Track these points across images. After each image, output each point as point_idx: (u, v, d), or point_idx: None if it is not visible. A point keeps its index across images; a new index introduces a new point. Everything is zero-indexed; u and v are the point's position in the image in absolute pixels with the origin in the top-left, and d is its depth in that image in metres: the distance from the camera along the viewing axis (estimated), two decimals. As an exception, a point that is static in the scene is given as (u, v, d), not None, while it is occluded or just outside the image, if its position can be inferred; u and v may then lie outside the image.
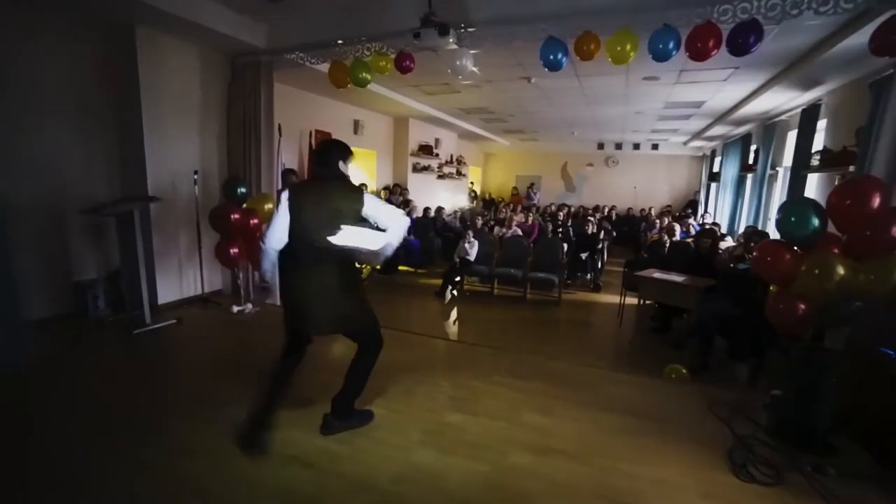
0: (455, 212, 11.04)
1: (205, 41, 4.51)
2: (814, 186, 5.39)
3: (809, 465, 2.18)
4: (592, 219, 7.98)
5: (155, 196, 4.21)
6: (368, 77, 4.24)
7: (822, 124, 5.40)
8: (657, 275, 4.67)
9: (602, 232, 8.43)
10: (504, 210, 9.98)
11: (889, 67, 3.49)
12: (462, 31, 3.51)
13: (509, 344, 4.28)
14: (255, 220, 4.38)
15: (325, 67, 4.62)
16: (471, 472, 2.12)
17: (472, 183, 15.39)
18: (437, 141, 10.47)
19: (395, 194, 8.87)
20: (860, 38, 3.23)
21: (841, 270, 2.18)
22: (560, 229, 8.60)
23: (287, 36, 4.48)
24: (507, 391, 3.01)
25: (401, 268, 7.64)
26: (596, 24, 3.25)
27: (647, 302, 5.45)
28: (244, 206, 4.42)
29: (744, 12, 2.89)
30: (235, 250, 4.37)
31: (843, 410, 2.59)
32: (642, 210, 12.67)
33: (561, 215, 9.77)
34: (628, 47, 3.22)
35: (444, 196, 11.27)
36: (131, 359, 3.42)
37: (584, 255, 7.29)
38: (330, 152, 2.28)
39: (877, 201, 2.16)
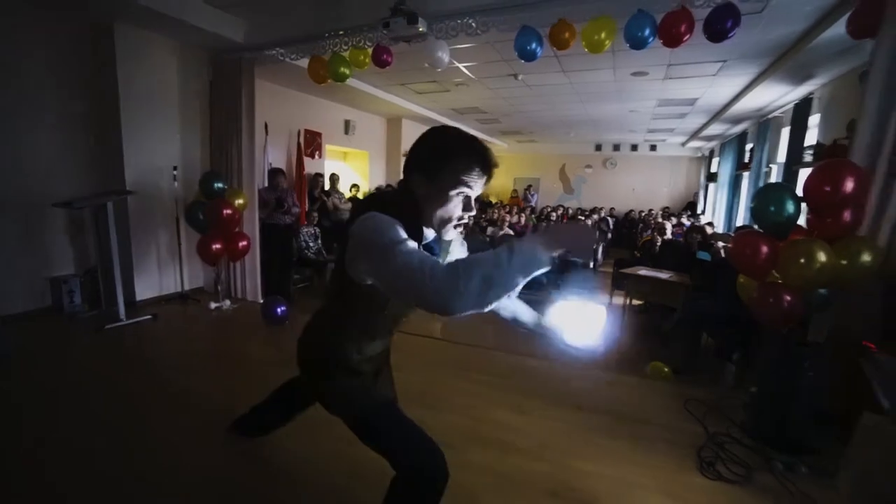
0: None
1: (184, 36, 4.47)
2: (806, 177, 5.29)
3: (781, 463, 2.06)
4: (582, 218, 7.87)
5: (128, 190, 4.17)
6: (347, 72, 4.18)
7: (814, 120, 5.28)
8: (643, 271, 4.57)
9: (597, 233, 8.33)
10: (496, 211, 9.89)
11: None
12: (435, 21, 3.45)
13: (491, 342, 4.18)
14: (233, 215, 4.33)
15: (305, 63, 4.59)
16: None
17: (473, 185, 15.31)
18: (431, 142, 10.41)
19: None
20: (843, 25, 3.13)
21: (823, 256, 2.08)
22: (554, 230, 8.50)
23: (265, 31, 4.44)
24: (480, 388, 2.91)
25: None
26: (570, 11, 3.18)
27: (637, 302, 5.33)
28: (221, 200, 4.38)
29: (718, -4, 2.80)
30: (218, 246, 4.32)
31: (827, 408, 2.47)
32: (641, 212, 12.53)
33: (554, 216, 9.67)
34: (603, 35, 3.14)
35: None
36: (94, 353, 3.34)
37: (575, 255, 7.17)
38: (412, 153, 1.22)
39: (850, 184, 2.07)
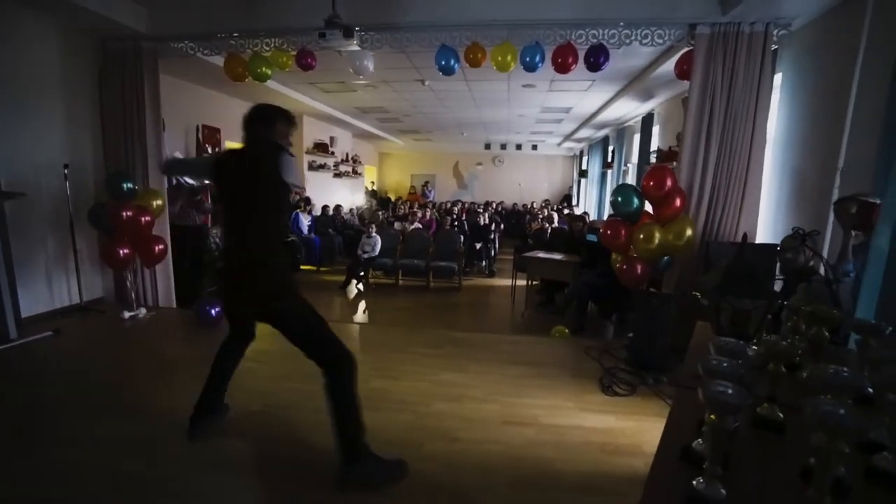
0: (351, 210, 11.13)
1: (68, 17, 4.03)
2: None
3: (651, 378, 2.94)
4: (480, 210, 8.76)
5: (8, 192, 3.68)
6: (269, 72, 4.25)
7: (657, 130, 6.75)
8: (541, 255, 5.45)
9: (493, 224, 9.30)
10: (403, 207, 10.37)
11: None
12: (364, 33, 3.78)
13: (419, 323, 4.66)
14: (147, 218, 4.10)
15: (217, 60, 4.50)
16: (398, 422, 2.44)
17: (372, 182, 15.49)
18: (332, 139, 10.42)
19: (291, 192, 8.68)
20: (672, 65, 4.25)
21: (657, 234, 2.99)
22: (455, 223, 9.26)
23: (174, 22, 4.24)
24: (424, 358, 3.38)
25: (302, 267, 7.56)
26: (481, 35, 3.77)
27: (535, 282, 6.27)
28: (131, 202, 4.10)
29: (593, 37, 3.64)
30: (126, 251, 4.04)
31: (676, 339, 3.46)
32: (525, 205, 14.06)
33: (455, 210, 10.46)
34: (509, 58, 3.80)
35: (342, 194, 11.25)
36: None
37: (478, 245, 8.01)
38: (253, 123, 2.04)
39: (669, 182, 3.06)
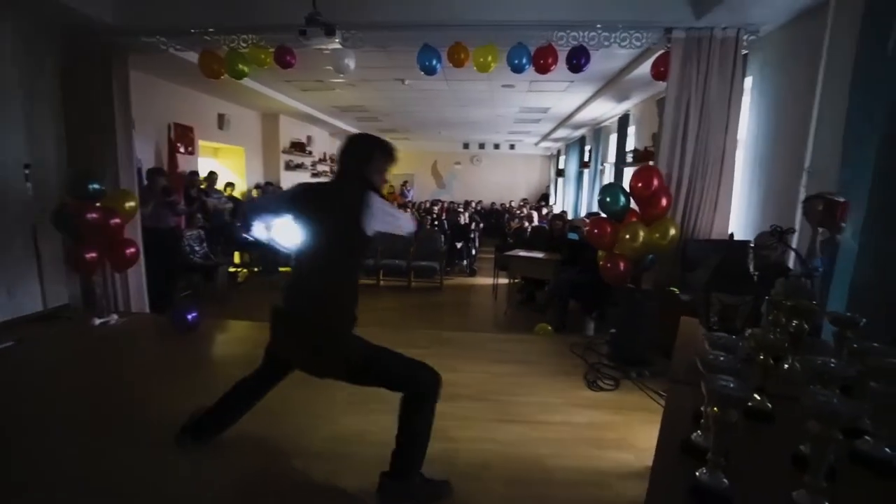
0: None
1: (27, 7, 3.81)
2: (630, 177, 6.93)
3: (634, 373, 3.02)
4: (462, 210, 8.80)
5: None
6: (246, 69, 4.15)
7: (632, 130, 6.92)
8: (522, 253, 5.52)
9: (473, 223, 9.36)
10: (383, 206, 10.29)
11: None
12: (346, 31, 3.73)
13: (405, 324, 4.65)
14: (117, 220, 3.93)
15: (191, 56, 4.36)
16: (392, 423, 2.41)
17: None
18: (309, 138, 10.26)
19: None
20: (648, 67, 4.37)
21: (641, 233, 3.07)
22: (436, 222, 9.27)
23: (145, 16, 4.06)
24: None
25: (282, 269, 7.42)
26: (463, 35, 3.78)
27: (516, 280, 6.35)
28: (98, 204, 3.91)
29: (574, 39, 3.71)
30: (93, 255, 3.86)
31: (655, 334, 3.56)
32: (503, 204, 14.18)
33: (435, 210, 10.46)
34: (490, 59, 3.83)
35: (320, 194, 11.08)
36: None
37: (459, 245, 8.04)
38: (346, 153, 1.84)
39: (656, 182, 3.12)
